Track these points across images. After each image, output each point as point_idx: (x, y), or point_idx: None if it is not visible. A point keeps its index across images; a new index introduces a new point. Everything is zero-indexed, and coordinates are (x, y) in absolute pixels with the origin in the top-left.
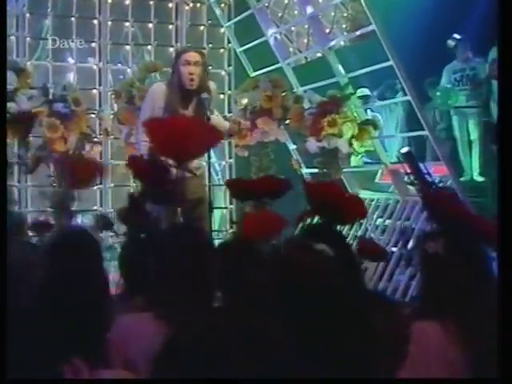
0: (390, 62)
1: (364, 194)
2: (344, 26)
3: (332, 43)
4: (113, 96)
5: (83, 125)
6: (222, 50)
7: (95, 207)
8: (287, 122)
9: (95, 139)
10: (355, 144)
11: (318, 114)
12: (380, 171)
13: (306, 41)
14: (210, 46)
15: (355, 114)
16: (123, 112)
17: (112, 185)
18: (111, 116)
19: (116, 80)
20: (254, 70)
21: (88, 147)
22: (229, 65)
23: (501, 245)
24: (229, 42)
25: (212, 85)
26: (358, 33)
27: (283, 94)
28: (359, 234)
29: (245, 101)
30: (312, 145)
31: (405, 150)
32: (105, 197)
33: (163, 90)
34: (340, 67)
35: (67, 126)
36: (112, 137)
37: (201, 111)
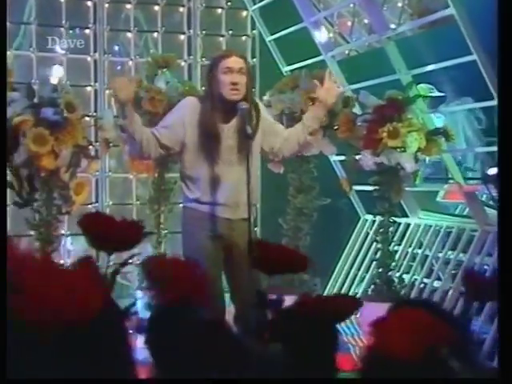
0: (474, 57)
1: (424, 217)
2: (408, 9)
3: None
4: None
5: (78, 135)
6: (244, 38)
7: None
8: (335, 130)
9: (93, 153)
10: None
11: (375, 121)
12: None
13: (349, 23)
14: (230, 32)
15: (422, 122)
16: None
17: (110, 202)
18: (112, 123)
19: (115, 75)
20: (288, 64)
21: (84, 163)
22: (253, 56)
23: (501, 244)
24: (253, 29)
25: (261, 104)
26: (428, 18)
27: None
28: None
29: (281, 104)
30: (367, 160)
31: (493, 171)
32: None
33: (196, 105)
34: (402, 62)
35: (58, 137)
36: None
37: (243, 126)
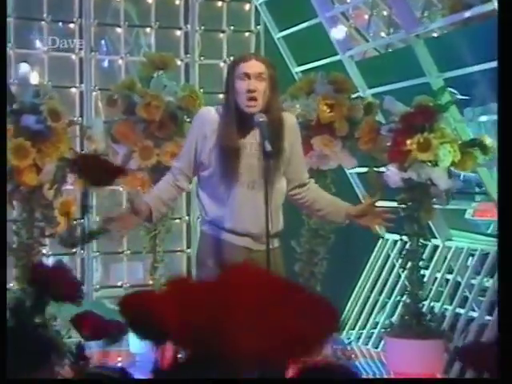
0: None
1: (455, 239)
2: (438, 3)
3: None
4: (104, 103)
5: (64, 147)
6: (247, 35)
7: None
8: (355, 141)
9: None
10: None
11: (402, 131)
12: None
13: (366, 16)
14: (232, 28)
15: (455, 132)
16: (120, 126)
17: (97, 219)
18: (102, 133)
19: (103, 75)
20: (299, 65)
21: (71, 179)
22: None
23: (501, 244)
24: (257, 24)
25: (289, 118)
26: (465, 14)
27: (350, 101)
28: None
29: (294, 111)
30: (393, 175)
31: None
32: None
33: (213, 117)
34: (432, 63)
35: (41, 149)
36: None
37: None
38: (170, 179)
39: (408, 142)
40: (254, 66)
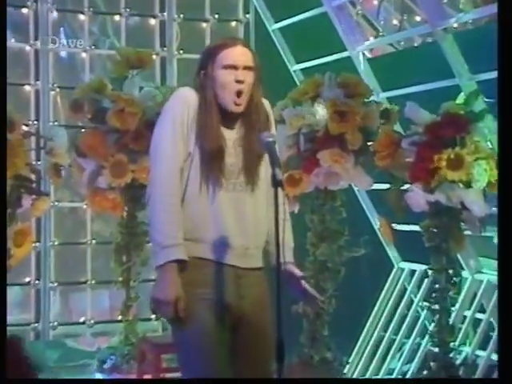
0: None
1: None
2: None
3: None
4: (67, 108)
5: (19, 163)
6: (234, 24)
7: (28, 279)
8: (371, 156)
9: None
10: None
11: (428, 144)
12: None
13: (376, 2)
14: (216, 17)
15: (492, 146)
16: (87, 136)
17: (56, 242)
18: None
19: (63, 71)
20: (298, 62)
21: (27, 202)
22: None
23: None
24: (246, 12)
25: (266, 104)
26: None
27: (364, 107)
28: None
29: (298, 120)
30: (417, 197)
31: None
32: (45, 261)
33: (195, 103)
34: (464, 63)
35: None
36: None
37: (251, 135)
38: (171, 204)
39: (435, 157)
40: (243, 54)
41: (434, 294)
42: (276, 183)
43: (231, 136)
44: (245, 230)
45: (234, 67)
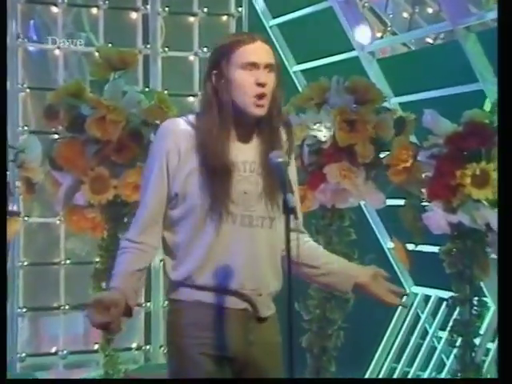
0: None
1: None
2: None
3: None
4: (41, 114)
5: None
6: (225, 19)
7: None
8: (385, 170)
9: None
10: None
11: (450, 157)
12: None
13: None
14: (205, 10)
15: None
16: (63, 147)
17: (25, 262)
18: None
19: (34, 69)
20: (298, 62)
21: None
22: None
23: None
24: (239, 5)
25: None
26: None
27: (376, 115)
28: None
29: (302, 130)
30: (436, 218)
31: None
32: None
33: (185, 131)
34: (489, 66)
35: None
36: None
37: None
38: (137, 243)
39: (457, 173)
40: (264, 51)
41: (455, 327)
42: (288, 211)
43: (244, 159)
44: (258, 274)
45: (255, 66)
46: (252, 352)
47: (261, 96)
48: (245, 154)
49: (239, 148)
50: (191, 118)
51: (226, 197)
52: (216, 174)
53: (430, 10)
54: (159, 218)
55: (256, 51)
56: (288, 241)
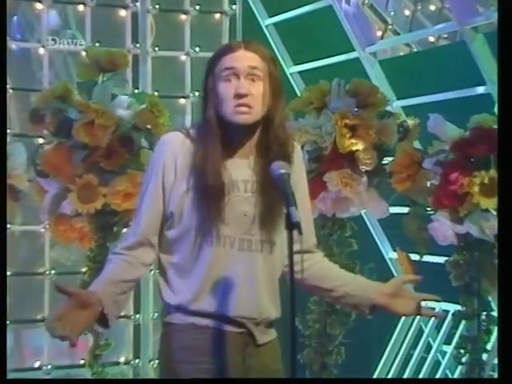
0: None
1: None
2: None
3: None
4: (26, 118)
5: None
6: (218, 17)
7: None
8: (387, 177)
9: None
10: None
11: (456, 165)
12: None
13: None
14: (197, 8)
15: None
16: (49, 154)
17: (8, 273)
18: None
19: (17, 69)
20: (295, 63)
21: None
22: None
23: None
24: (233, 3)
25: (295, 144)
26: None
27: (379, 120)
28: None
29: (302, 136)
30: (443, 228)
31: None
32: None
33: (184, 144)
34: (496, 68)
35: None
36: None
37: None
38: (124, 255)
39: (465, 180)
40: (244, 59)
41: (462, 343)
42: (291, 225)
43: (243, 177)
44: (256, 302)
45: (235, 76)
46: (250, 377)
47: (241, 104)
48: (245, 173)
49: (238, 165)
50: (192, 131)
51: (220, 219)
52: (209, 193)
53: (432, 8)
54: (152, 237)
55: (235, 60)
56: (291, 259)
